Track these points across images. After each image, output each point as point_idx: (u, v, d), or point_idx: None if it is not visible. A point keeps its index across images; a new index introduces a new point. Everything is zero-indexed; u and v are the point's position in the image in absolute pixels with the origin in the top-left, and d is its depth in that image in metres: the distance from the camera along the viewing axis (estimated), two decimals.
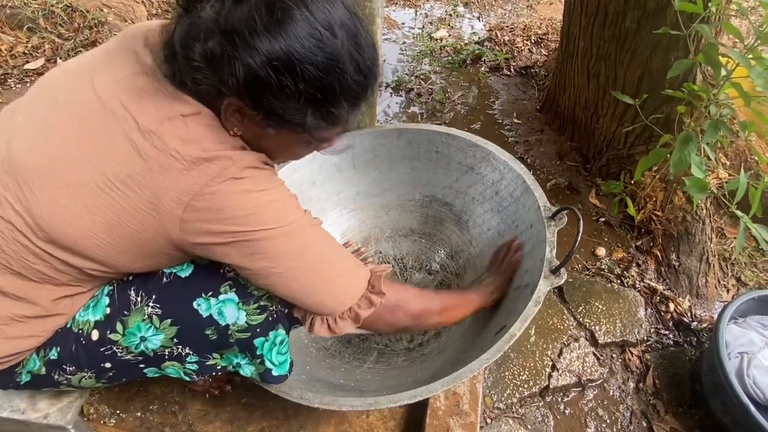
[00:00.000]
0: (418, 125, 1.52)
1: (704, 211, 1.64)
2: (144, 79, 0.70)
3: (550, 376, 1.39)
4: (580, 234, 1.06)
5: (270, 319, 0.88)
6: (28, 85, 2.26)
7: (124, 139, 0.68)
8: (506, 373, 1.38)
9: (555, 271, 1.07)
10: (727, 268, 1.74)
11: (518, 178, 1.33)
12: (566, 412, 1.36)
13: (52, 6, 2.47)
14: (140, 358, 0.86)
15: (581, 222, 1.08)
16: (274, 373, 0.92)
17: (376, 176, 1.56)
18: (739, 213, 1.24)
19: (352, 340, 1.34)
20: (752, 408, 1.17)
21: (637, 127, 1.71)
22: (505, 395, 1.34)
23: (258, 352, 0.89)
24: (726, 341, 1.33)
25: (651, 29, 1.49)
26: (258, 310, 0.87)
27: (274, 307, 0.88)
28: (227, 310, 0.84)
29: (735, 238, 1.80)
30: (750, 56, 1.20)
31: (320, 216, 1.54)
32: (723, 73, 1.30)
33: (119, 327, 0.83)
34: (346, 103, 0.71)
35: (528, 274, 1.16)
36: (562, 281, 1.06)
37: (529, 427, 1.31)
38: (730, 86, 1.28)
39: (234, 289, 0.85)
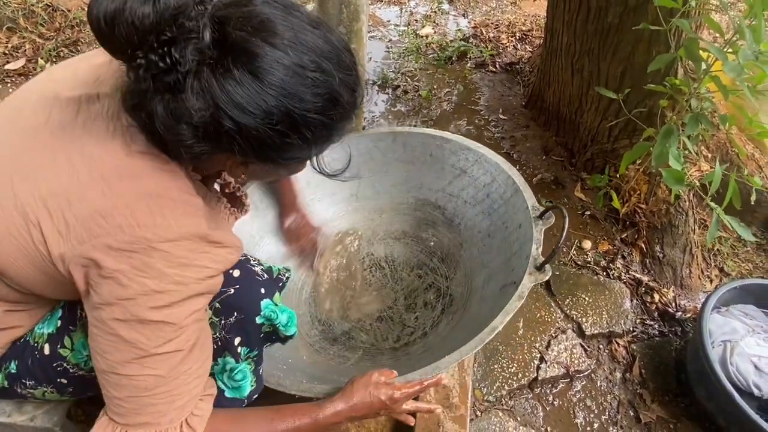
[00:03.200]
0: (413, 129, 1.53)
1: (687, 203, 1.67)
2: (103, 112, 0.67)
3: (538, 368, 1.40)
4: (566, 231, 1.07)
5: (215, 347, 0.83)
6: (9, 85, 2.22)
7: (65, 159, 0.64)
8: (495, 366, 1.40)
9: (540, 268, 1.08)
10: (710, 258, 1.77)
11: (508, 179, 1.33)
12: (555, 403, 1.37)
13: (32, 5, 2.43)
14: (94, 374, 0.83)
15: (567, 220, 1.09)
16: (227, 395, 0.88)
17: (370, 179, 1.57)
18: (712, 204, 1.27)
19: (338, 338, 1.35)
20: (736, 395, 1.20)
21: (620, 121, 1.73)
22: (495, 388, 1.36)
23: (210, 372, 0.84)
24: (709, 330, 1.35)
25: (633, 24, 1.51)
26: None
27: (218, 333, 0.84)
28: None
29: (718, 229, 1.83)
30: (729, 50, 1.22)
31: (314, 216, 1.54)
32: (703, 67, 1.32)
33: (68, 342, 0.81)
34: (346, 123, 0.70)
35: (515, 272, 1.17)
36: (547, 277, 1.07)
37: (518, 418, 1.32)
38: (710, 80, 1.30)
39: None
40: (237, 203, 0.93)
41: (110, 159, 0.64)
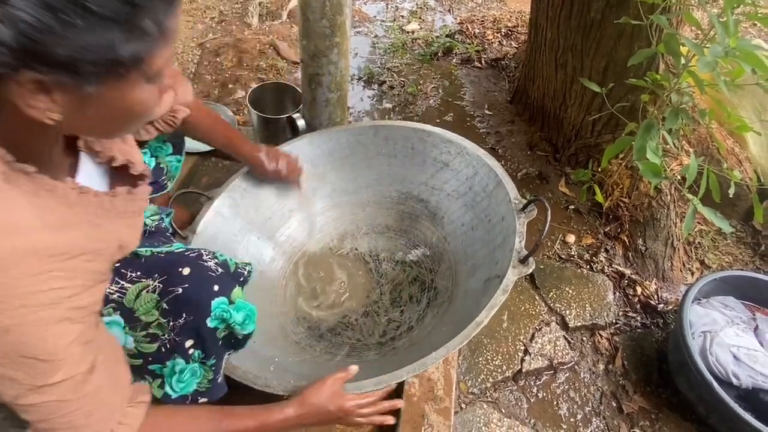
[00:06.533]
0: (395, 122, 1.53)
1: (669, 196, 1.69)
2: None
3: (522, 360, 1.42)
4: (548, 224, 1.08)
5: (163, 349, 0.82)
6: None
7: None
8: (480, 359, 1.40)
9: (523, 261, 1.09)
10: (691, 251, 1.79)
11: (491, 172, 1.34)
12: (539, 395, 1.39)
13: None
14: None
15: (549, 212, 1.10)
16: (173, 397, 0.86)
17: (352, 173, 1.56)
18: (689, 195, 1.29)
19: (324, 335, 1.35)
20: (715, 384, 1.22)
21: (603, 115, 1.74)
22: (479, 380, 1.37)
23: (158, 373, 0.84)
24: (690, 321, 1.38)
25: (615, 19, 1.52)
26: (148, 339, 0.81)
27: (166, 335, 0.82)
28: (113, 332, 0.79)
29: (698, 222, 1.86)
30: (708, 45, 1.23)
31: (294, 212, 1.54)
32: (683, 61, 1.34)
33: None
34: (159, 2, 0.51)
35: (498, 265, 1.18)
36: (530, 270, 1.08)
37: (503, 410, 1.33)
38: (689, 75, 1.32)
39: (118, 312, 0.80)
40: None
41: None
